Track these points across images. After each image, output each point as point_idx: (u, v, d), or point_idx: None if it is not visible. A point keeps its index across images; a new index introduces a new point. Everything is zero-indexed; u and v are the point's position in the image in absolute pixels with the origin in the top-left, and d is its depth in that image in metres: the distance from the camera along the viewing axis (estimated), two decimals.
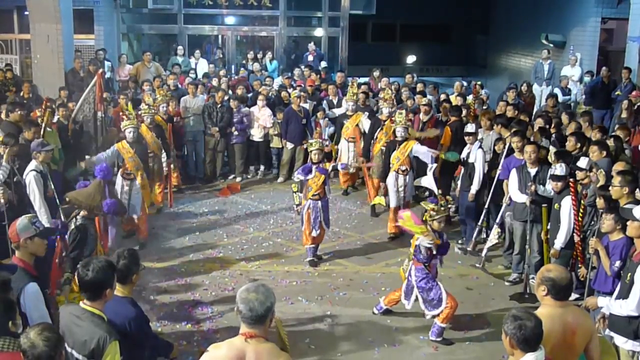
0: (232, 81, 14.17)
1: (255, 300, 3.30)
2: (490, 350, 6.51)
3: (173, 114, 11.75)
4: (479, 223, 8.77)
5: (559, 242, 7.15)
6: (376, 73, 15.25)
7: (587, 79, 14.56)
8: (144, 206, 9.22)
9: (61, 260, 6.19)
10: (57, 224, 6.04)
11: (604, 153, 7.59)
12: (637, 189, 6.19)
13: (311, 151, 8.61)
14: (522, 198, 7.75)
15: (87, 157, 9.16)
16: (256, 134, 12.44)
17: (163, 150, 10.39)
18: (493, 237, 8.35)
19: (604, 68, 14.09)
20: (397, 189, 9.37)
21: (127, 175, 9.04)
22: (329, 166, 8.63)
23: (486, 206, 8.74)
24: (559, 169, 7.20)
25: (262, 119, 12.29)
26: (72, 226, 6.89)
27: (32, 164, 7.61)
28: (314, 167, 8.47)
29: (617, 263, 5.64)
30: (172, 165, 10.91)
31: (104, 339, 3.69)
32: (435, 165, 9.88)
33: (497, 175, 8.60)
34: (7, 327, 3.72)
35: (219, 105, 11.95)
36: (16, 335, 3.62)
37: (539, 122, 9.31)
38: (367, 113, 11.82)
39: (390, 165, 9.45)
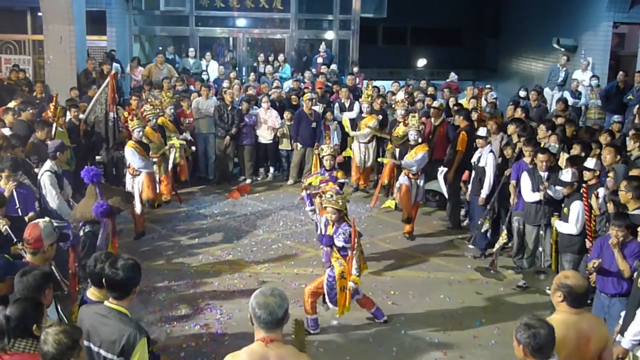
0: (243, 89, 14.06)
1: (274, 304, 3.27)
2: (499, 355, 6.47)
3: (186, 115, 11.81)
4: (481, 219, 8.72)
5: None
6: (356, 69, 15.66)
7: (594, 82, 14.50)
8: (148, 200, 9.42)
9: (75, 271, 6.22)
10: (69, 235, 6.09)
11: (619, 157, 7.57)
12: None
13: (323, 157, 8.53)
14: (535, 197, 7.75)
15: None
16: (264, 136, 12.46)
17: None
18: (501, 240, 8.33)
19: (620, 73, 13.99)
20: (410, 189, 9.40)
21: (136, 172, 9.22)
22: (341, 175, 8.46)
23: (489, 206, 8.72)
24: (566, 174, 7.19)
25: (270, 121, 12.31)
26: (82, 234, 6.95)
27: (47, 165, 7.67)
28: (326, 174, 8.37)
29: (636, 263, 5.63)
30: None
31: (134, 335, 3.69)
32: (445, 169, 9.88)
33: (503, 179, 8.59)
34: (31, 329, 3.73)
35: (229, 107, 11.99)
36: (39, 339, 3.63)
37: (541, 129, 9.25)
38: (380, 116, 11.86)
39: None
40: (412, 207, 9.59)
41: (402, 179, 9.47)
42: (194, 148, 11.94)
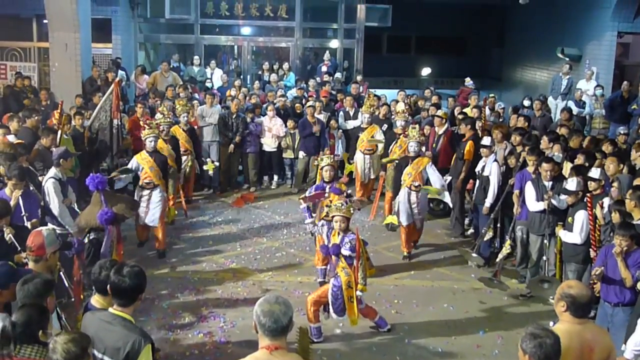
0: (257, 98, 14.01)
1: (279, 311, 3.27)
2: None
3: (190, 123, 11.84)
4: (485, 228, 8.69)
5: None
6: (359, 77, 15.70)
7: (598, 92, 14.47)
8: (162, 216, 9.17)
9: (79, 279, 6.24)
10: (74, 242, 6.10)
11: (622, 166, 7.57)
12: None
13: (322, 168, 8.18)
14: (539, 206, 7.74)
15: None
16: (269, 144, 12.48)
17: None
18: (505, 250, 8.32)
19: (624, 82, 13.99)
20: (409, 205, 9.05)
21: (147, 184, 9.02)
22: (344, 187, 8.16)
23: (493, 216, 8.70)
24: (571, 183, 7.18)
25: (274, 129, 12.34)
26: (86, 241, 6.96)
27: (52, 171, 7.68)
28: (327, 187, 8.02)
29: (638, 273, 5.62)
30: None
31: (139, 342, 3.68)
32: (450, 178, 9.85)
33: (507, 188, 8.58)
34: (37, 335, 3.73)
35: (234, 116, 12.02)
36: (46, 345, 3.62)
37: (544, 141, 9.23)
38: (386, 125, 11.83)
39: (402, 182, 9.12)
40: (412, 244, 9.42)
41: (402, 195, 9.08)
42: (217, 163, 12.02)
